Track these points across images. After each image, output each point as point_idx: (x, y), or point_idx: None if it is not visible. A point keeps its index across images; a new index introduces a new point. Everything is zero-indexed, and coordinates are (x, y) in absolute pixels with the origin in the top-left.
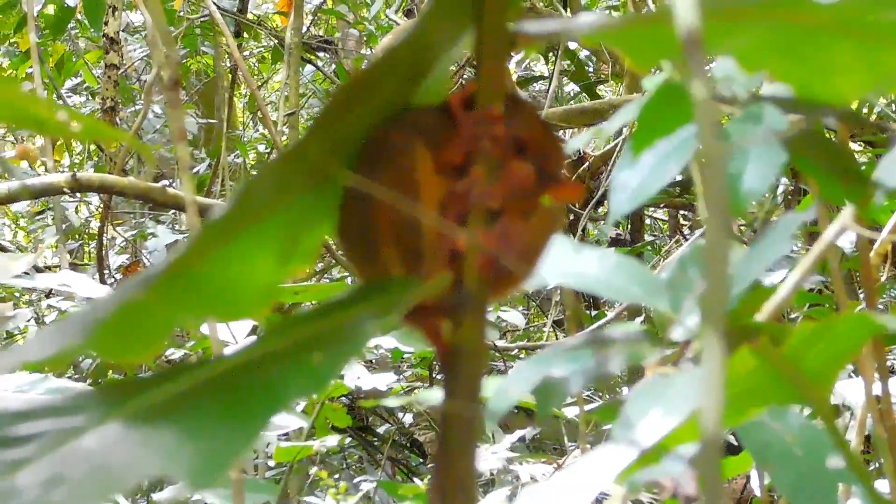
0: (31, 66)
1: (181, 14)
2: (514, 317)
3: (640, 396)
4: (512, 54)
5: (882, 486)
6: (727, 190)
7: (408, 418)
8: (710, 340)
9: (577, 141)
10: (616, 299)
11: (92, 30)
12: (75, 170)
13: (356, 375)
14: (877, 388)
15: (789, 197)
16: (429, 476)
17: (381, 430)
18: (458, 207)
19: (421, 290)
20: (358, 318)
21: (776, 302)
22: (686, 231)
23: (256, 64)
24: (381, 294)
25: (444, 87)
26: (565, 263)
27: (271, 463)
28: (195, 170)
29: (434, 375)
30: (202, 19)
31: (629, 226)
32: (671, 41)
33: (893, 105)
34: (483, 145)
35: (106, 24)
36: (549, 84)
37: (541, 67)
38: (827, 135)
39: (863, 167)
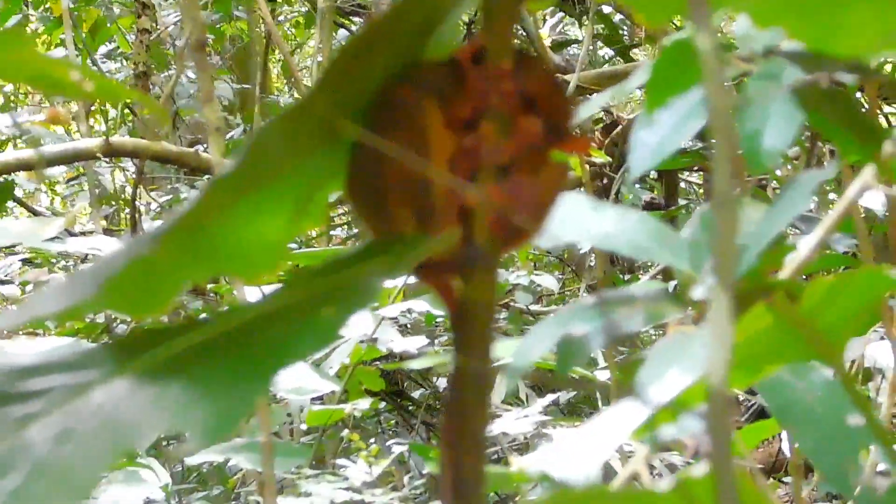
0: (64, 32)
1: None
2: (549, 281)
3: (659, 355)
4: (521, 9)
5: None
6: (734, 143)
7: (442, 382)
8: (717, 296)
9: (597, 100)
10: (636, 258)
11: None
12: (108, 135)
13: (389, 339)
14: None
15: (821, 158)
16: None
17: (415, 394)
18: (468, 163)
19: (431, 246)
20: (367, 273)
21: (798, 260)
22: None
23: (291, 29)
24: (391, 250)
25: (453, 42)
26: (585, 222)
27: (305, 427)
28: (230, 135)
29: None
30: None
31: (663, 189)
32: None
33: None
34: (492, 101)
35: None
36: (583, 48)
37: (575, 32)
38: (853, 95)
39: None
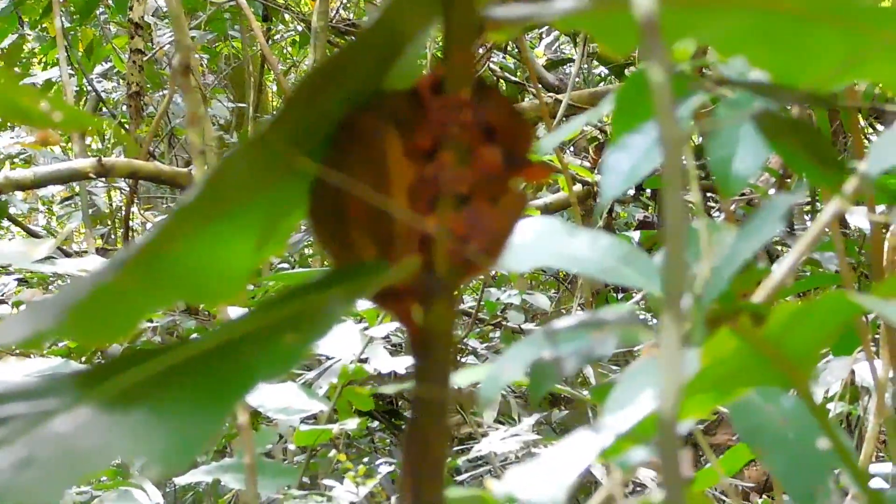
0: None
1: None
2: (541, 300)
3: (631, 377)
4: (480, 39)
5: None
6: (682, 173)
7: None
8: (668, 322)
9: (572, 124)
10: (608, 281)
11: (121, 15)
12: (103, 154)
13: (378, 360)
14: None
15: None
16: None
17: (408, 413)
18: (428, 192)
19: (391, 274)
20: (328, 300)
21: (773, 283)
22: (715, 213)
23: (288, 48)
24: (352, 277)
25: (414, 72)
26: (558, 246)
27: (295, 447)
28: (226, 155)
29: (458, 358)
30: (230, 3)
31: (657, 208)
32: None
33: None
34: (451, 130)
35: (131, 9)
36: (575, 66)
37: (571, 50)
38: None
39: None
